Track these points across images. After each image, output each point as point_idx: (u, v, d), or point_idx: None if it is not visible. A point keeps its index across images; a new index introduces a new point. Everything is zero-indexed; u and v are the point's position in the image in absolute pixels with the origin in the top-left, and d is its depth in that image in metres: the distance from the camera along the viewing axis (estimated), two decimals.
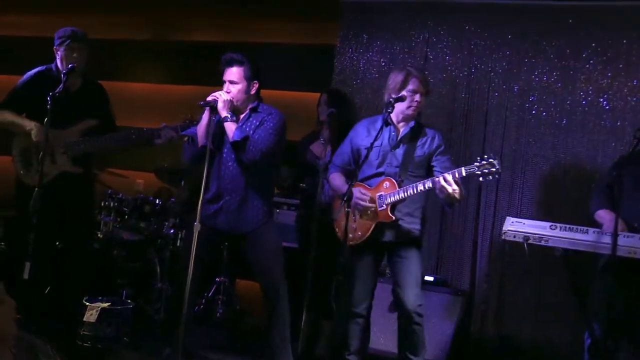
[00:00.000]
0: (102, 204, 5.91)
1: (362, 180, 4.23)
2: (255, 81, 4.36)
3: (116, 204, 5.88)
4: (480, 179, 3.74)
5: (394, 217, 4.04)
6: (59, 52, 4.91)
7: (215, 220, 4.37)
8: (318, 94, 5.60)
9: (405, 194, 3.99)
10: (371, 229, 4.14)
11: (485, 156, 3.71)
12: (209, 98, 4.21)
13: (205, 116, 4.24)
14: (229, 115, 4.22)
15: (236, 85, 4.30)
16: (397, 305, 4.16)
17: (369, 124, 4.34)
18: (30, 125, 4.84)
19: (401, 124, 4.24)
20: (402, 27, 6.00)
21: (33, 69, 5.03)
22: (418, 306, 4.10)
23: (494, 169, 3.66)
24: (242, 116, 4.36)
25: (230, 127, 4.22)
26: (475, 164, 3.68)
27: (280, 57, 7.19)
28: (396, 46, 6.02)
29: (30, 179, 4.77)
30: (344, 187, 4.24)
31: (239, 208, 4.32)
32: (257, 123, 4.30)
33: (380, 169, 4.19)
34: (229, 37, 7.50)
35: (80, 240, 5.18)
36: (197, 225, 3.96)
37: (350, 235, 4.18)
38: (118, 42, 7.93)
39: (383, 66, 6.04)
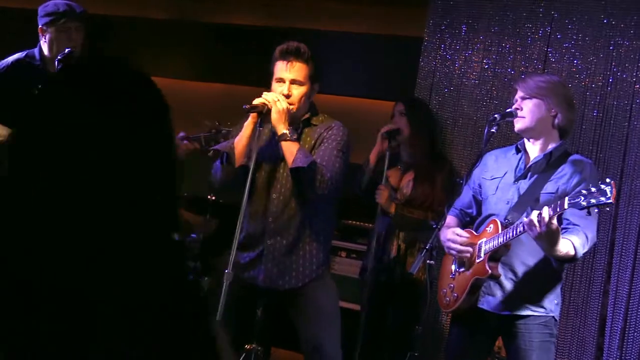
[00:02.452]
0: None
1: (477, 226, 4.23)
2: (318, 84, 4.38)
3: None
4: (585, 211, 3.63)
5: (489, 271, 3.97)
6: (46, 35, 4.88)
7: (250, 273, 4.36)
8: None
9: (504, 238, 3.92)
10: (467, 288, 4.09)
11: (601, 184, 3.58)
12: (256, 101, 4.17)
13: (249, 126, 4.21)
14: (288, 132, 4.16)
15: (300, 88, 4.28)
16: None
17: (501, 152, 4.37)
18: (2, 133, 4.79)
19: (536, 150, 4.17)
20: (516, 18, 5.98)
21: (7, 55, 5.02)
22: None
23: (603, 198, 3.52)
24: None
25: (289, 149, 4.17)
26: (583, 191, 3.58)
27: (346, 50, 7.16)
28: (506, 43, 6.00)
29: None
30: (443, 232, 4.25)
31: (286, 256, 4.31)
32: (313, 142, 4.32)
33: (493, 209, 4.18)
34: (277, 20, 7.56)
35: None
36: (228, 274, 3.90)
37: (447, 299, 4.19)
38: (126, 20, 8.02)
39: (486, 69, 6.03)
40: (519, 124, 4.11)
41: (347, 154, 4.32)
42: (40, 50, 4.93)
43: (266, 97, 4.17)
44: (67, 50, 4.67)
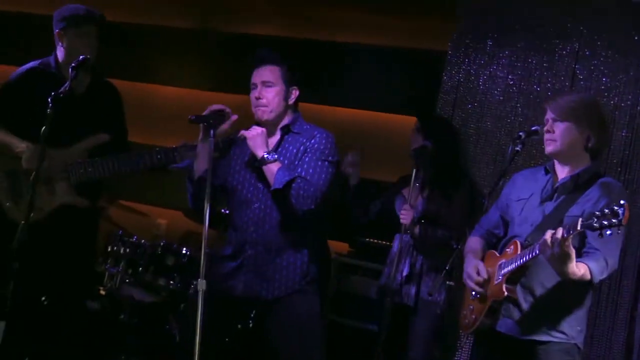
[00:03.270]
0: (109, 249, 5.95)
1: (501, 247, 4.19)
2: (295, 87, 4.43)
3: (128, 250, 5.93)
4: (597, 233, 3.56)
5: (506, 293, 3.94)
6: (64, 39, 4.92)
7: (229, 283, 4.38)
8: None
9: (522, 260, 3.89)
10: (484, 310, 4.06)
11: (614, 206, 3.53)
12: (209, 111, 4.21)
13: (200, 140, 4.30)
14: (267, 155, 4.25)
15: (271, 89, 4.35)
16: None
17: (530, 173, 4.32)
18: (20, 146, 4.82)
19: (564, 172, 4.14)
20: (543, 33, 5.95)
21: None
22: None
23: (615, 220, 3.47)
24: (272, 140, 4.39)
25: (270, 170, 4.25)
26: (596, 213, 3.54)
27: (365, 63, 7.17)
28: (532, 59, 5.97)
29: (18, 215, 4.69)
30: (467, 257, 4.21)
31: (267, 266, 4.32)
32: (295, 150, 4.34)
33: (518, 230, 4.13)
34: (296, 32, 7.56)
35: (74, 296, 5.17)
36: (201, 283, 3.85)
37: (467, 320, 4.14)
38: (143, 29, 8.02)
39: (511, 85, 6.00)
40: (550, 147, 4.06)
41: (334, 162, 4.34)
42: (56, 57, 4.95)
43: (213, 108, 4.23)
44: (81, 57, 4.66)
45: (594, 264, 3.79)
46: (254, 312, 4.52)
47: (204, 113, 4.18)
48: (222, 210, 6.02)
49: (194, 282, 5.86)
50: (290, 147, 4.34)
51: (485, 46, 6.11)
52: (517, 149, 4.16)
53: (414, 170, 5.17)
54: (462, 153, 5.62)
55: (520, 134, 4.17)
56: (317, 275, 4.46)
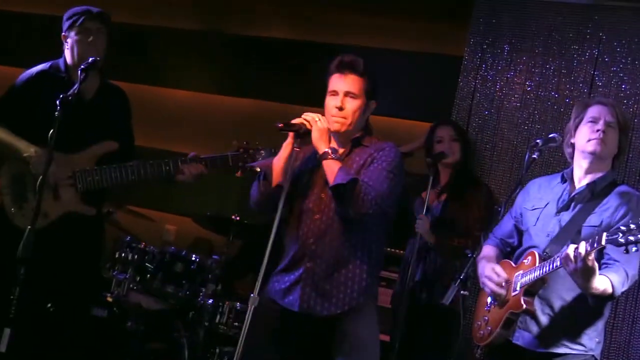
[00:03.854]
0: (116, 256, 5.92)
1: (516, 257, 4.18)
2: (374, 101, 4.34)
3: (136, 256, 5.91)
4: (622, 248, 3.55)
5: (524, 306, 3.93)
6: (68, 40, 4.92)
7: (288, 298, 4.28)
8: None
9: (541, 272, 3.88)
10: (501, 322, 4.03)
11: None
12: (295, 120, 4.18)
13: (287, 146, 4.23)
14: (330, 151, 4.15)
15: (354, 101, 4.24)
16: None
17: (545, 181, 4.30)
18: (27, 149, 4.81)
19: (585, 179, 4.12)
20: (561, 38, 5.97)
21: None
22: None
23: None
24: (341, 151, 4.31)
25: (330, 167, 4.15)
26: (622, 227, 3.53)
27: (379, 67, 7.01)
28: (550, 65, 5.99)
29: (23, 221, 4.70)
30: (480, 263, 4.21)
31: (326, 280, 4.24)
32: (362, 162, 4.27)
33: (533, 241, 4.12)
34: (308, 35, 7.53)
35: (80, 303, 5.15)
36: (253, 298, 3.86)
37: (481, 332, 4.13)
38: (153, 30, 8.02)
39: (529, 91, 6.03)
40: (599, 148, 4.02)
41: (398, 176, 4.25)
42: (65, 60, 4.95)
43: (305, 117, 4.18)
44: (90, 59, 4.66)
45: (615, 277, 3.77)
46: (310, 328, 4.42)
47: (293, 121, 4.15)
48: (233, 217, 6.05)
49: (202, 289, 5.90)
50: (357, 159, 4.27)
51: (503, 51, 6.12)
52: (534, 156, 4.15)
53: (431, 178, 5.20)
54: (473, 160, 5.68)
55: (538, 141, 4.16)
56: (375, 292, 4.44)
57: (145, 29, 7.96)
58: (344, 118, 4.20)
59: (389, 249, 5.95)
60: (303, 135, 4.15)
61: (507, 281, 4.05)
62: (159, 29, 8.02)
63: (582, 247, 3.59)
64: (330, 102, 4.23)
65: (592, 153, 4.04)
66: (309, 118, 4.16)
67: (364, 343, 4.28)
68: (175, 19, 8.01)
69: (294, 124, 4.15)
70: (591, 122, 4.05)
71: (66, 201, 4.86)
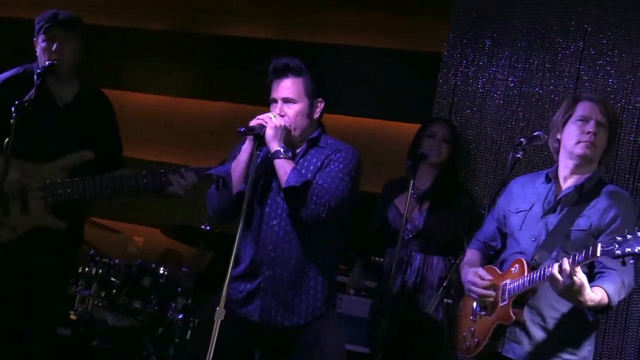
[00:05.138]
0: (80, 270, 5.91)
1: (501, 263, 4.19)
2: (321, 99, 4.35)
3: (100, 270, 5.89)
4: (619, 261, 3.56)
5: (514, 317, 3.92)
6: (37, 46, 4.93)
7: (247, 308, 4.29)
8: (416, 125, 5.64)
9: (532, 283, 3.86)
10: (489, 334, 4.02)
11: (638, 231, 3.52)
12: (254, 122, 4.17)
13: (246, 149, 4.22)
14: (282, 149, 4.16)
15: (293, 106, 4.27)
16: None
17: (528, 180, 4.29)
18: None
19: (570, 179, 4.12)
20: (545, 31, 5.96)
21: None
22: None
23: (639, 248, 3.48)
24: (296, 152, 4.35)
25: (283, 167, 4.17)
26: (617, 238, 3.53)
27: (357, 66, 7.20)
28: (534, 59, 5.99)
29: None
30: (463, 269, 4.21)
31: (287, 289, 4.25)
32: (319, 163, 4.29)
33: (519, 247, 4.11)
34: (286, 33, 7.59)
35: (43, 321, 5.06)
36: (220, 311, 3.82)
37: (467, 343, 4.12)
38: (121, 32, 8.05)
39: (512, 88, 6.02)
40: (589, 151, 4.02)
41: (355, 178, 4.28)
42: (38, 65, 4.94)
43: (261, 117, 4.18)
44: (47, 62, 4.69)
45: (610, 287, 3.77)
46: (272, 340, 4.46)
47: (250, 123, 4.14)
48: (202, 227, 6.05)
49: (172, 304, 5.89)
50: (314, 160, 4.29)
51: (484, 46, 6.12)
52: (518, 156, 4.15)
53: (411, 182, 5.14)
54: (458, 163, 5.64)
55: (522, 140, 4.16)
56: (335, 298, 4.49)
57: (110, 30, 7.95)
58: (288, 125, 4.22)
59: (372, 257, 5.95)
60: (263, 136, 4.14)
61: (494, 285, 4.04)
62: (125, 29, 8.04)
63: (565, 263, 3.62)
64: (272, 110, 4.26)
65: (582, 156, 4.04)
66: (265, 118, 4.17)
67: (330, 355, 4.31)
68: (142, 18, 8.04)
69: (254, 127, 4.14)
70: (581, 121, 4.05)
71: (35, 214, 4.81)
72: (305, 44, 7.24)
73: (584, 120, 4.03)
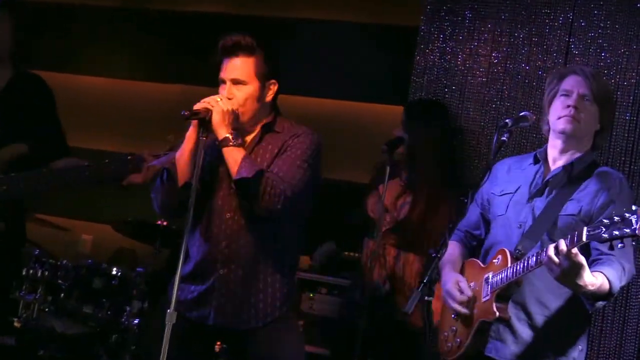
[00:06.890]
0: (24, 273, 5.87)
1: (484, 255, 4.23)
2: (273, 80, 4.38)
3: (46, 272, 5.87)
4: (607, 244, 3.62)
5: (497, 313, 3.97)
6: None
7: (199, 311, 4.34)
8: (396, 107, 5.77)
9: (514, 273, 3.91)
10: (471, 333, 4.07)
11: (626, 212, 3.56)
12: (198, 106, 4.17)
13: (190, 136, 4.23)
14: (231, 136, 4.17)
15: (243, 88, 4.28)
16: None
17: (515, 162, 4.36)
18: None
19: (560, 160, 4.17)
20: (531, 2, 5.97)
21: None
22: None
23: (628, 230, 3.50)
24: (249, 138, 4.39)
25: (233, 156, 4.19)
26: (604, 220, 3.58)
27: (327, 43, 7.18)
28: (519, 32, 5.97)
29: None
30: (444, 269, 4.26)
31: (242, 289, 4.31)
32: (276, 150, 4.35)
33: (503, 234, 4.18)
34: (246, 8, 7.54)
35: None
36: (171, 314, 3.84)
37: (449, 344, 4.16)
38: (62, 9, 7.99)
39: (496, 64, 6.01)
40: (569, 126, 4.06)
41: (314, 165, 4.34)
42: None
43: (207, 100, 4.17)
44: None
45: (610, 271, 3.79)
46: (227, 345, 4.52)
47: (195, 107, 4.14)
48: (159, 223, 6.08)
49: (127, 307, 5.88)
50: (270, 147, 4.34)
51: (464, 19, 6.10)
52: (503, 139, 4.12)
53: (387, 168, 5.15)
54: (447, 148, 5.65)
55: (507, 121, 4.14)
56: (294, 298, 4.61)
57: (55, 7, 7.93)
58: (237, 109, 4.26)
59: (346, 252, 5.94)
60: (209, 122, 4.14)
61: (474, 298, 4.09)
62: (68, 6, 7.99)
63: (562, 244, 3.63)
64: (221, 92, 4.29)
65: (562, 132, 4.10)
66: (211, 101, 4.17)
67: (289, 352, 4.40)
68: None
69: (198, 110, 4.14)
70: (563, 95, 4.11)
71: None
72: (267, 19, 7.24)
73: (566, 94, 4.10)
